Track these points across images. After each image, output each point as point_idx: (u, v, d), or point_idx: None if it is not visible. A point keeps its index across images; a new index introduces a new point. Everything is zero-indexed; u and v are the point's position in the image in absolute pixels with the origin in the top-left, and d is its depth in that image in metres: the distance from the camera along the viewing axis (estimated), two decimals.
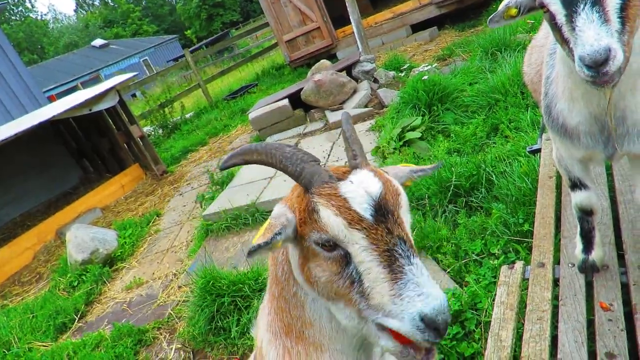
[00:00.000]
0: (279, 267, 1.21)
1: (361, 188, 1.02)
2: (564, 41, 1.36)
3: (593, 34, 1.22)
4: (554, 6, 1.35)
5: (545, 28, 2.21)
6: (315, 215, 1.02)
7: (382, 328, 0.98)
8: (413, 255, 0.97)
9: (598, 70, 1.23)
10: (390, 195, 1.04)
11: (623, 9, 1.25)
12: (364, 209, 0.99)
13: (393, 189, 1.06)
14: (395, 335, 0.98)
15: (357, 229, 0.98)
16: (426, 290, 0.92)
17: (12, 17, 59.02)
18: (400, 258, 0.96)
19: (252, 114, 7.70)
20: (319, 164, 1.09)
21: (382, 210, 1.00)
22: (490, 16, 1.64)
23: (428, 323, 0.90)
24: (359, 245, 0.98)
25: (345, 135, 1.25)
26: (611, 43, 1.21)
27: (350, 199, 1.01)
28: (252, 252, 1.01)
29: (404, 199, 1.07)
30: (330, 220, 0.99)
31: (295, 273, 1.14)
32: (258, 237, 1.05)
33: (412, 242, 1.02)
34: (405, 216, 1.05)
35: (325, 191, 1.03)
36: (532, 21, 6.52)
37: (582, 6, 1.26)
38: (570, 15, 1.29)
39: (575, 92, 1.60)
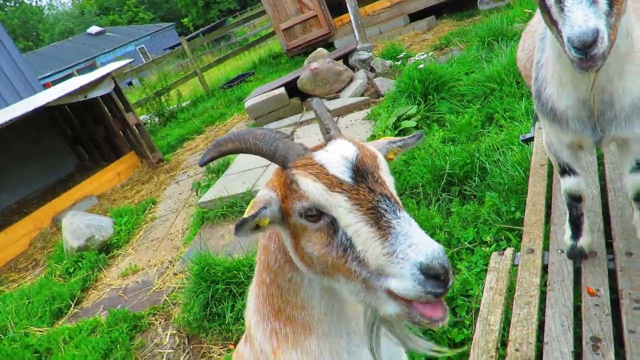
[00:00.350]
0: (272, 256, 1.21)
1: (337, 154, 1.02)
2: (552, 23, 1.36)
3: (581, 15, 1.22)
4: None
5: (538, 14, 2.21)
6: (294, 185, 1.01)
7: (390, 294, 0.93)
8: (399, 209, 0.94)
9: (586, 53, 1.23)
10: (367, 158, 1.02)
11: None
12: (342, 172, 0.98)
13: (370, 152, 1.05)
14: (403, 300, 0.93)
15: (337, 191, 0.96)
16: (417, 240, 0.89)
17: (7, 4, 58.29)
18: (386, 213, 0.93)
19: (248, 102, 7.68)
20: (292, 139, 1.09)
21: (361, 171, 0.99)
22: None
23: (426, 272, 0.85)
24: (342, 208, 0.95)
25: (316, 114, 1.24)
26: (599, 25, 1.21)
27: (327, 164, 1.00)
28: (239, 227, 1.01)
29: (382, 161, 1.05)
30: (310, 186, 0.98)
31: (293, 258, 1.13)
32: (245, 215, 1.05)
33: (397, 199, 0.99)
34: (387, 177, 1.03)
35: (301, 162, 1.02)
36: (529, 10, 6.51)
37: None
38: None
39: (564, 76, 1.60)
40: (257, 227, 1.05)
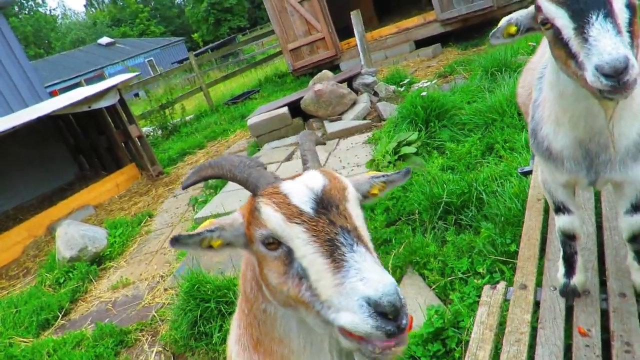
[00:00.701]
0: (248, 284, 1.20)
1: (302, 184, 1.03)
2: (570, 56, 1.33)
3: (610, 43, 1.21)
4: (561, 20, 1.33)
5: (540, 50, 2.23)
6: (256, 213, 1.02)
7: (342, 331, 0.91)
8: (357, 244, 0.93)
9: (618, 79, 1.20)
10: (335, 189, 1.02)
11: (630, 24, 1.26)
12: (304, 203, 0.99)
13: (339, 184, 1.05)
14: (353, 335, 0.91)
15: (296, 222, 0.96)
16: (368, 275, 0.87)
17: (23, 12, 59.37)
18: (342, 246, 0.92)
19: (251, 120, 7.72)
20: (265, 168, 1.12)
21: (324, 203, 0.99)
22: (492, 31, 1.64)
23: (374, 307, 0.83)
24: (299, 239, 0.96)
25: (299, 145, 1.28)
26: (627, 52, 1.20)
27: (289, 194, 1.01)
28: (173, 242, 1.05)
29: (351, 194, 1.05)
30: (270, 215, 0.99)
31: (261, 285, 1.13)
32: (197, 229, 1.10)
33: (362, 233, 0.98)
34: (354, 210, 1.02)
35: (268, 191, 1.04)
36: (534, 44, 6.58)
37: (595, 17, 1.24)
38: (581, 27, 1.26)
39: (562, 117, 1.60)
40: (210, 246, 1.09)
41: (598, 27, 1.24)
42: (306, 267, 0.95)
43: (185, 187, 1.20)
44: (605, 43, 1.21)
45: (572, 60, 1.33)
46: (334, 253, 0.92)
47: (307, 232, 0.95)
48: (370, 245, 0.99)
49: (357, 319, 0.85)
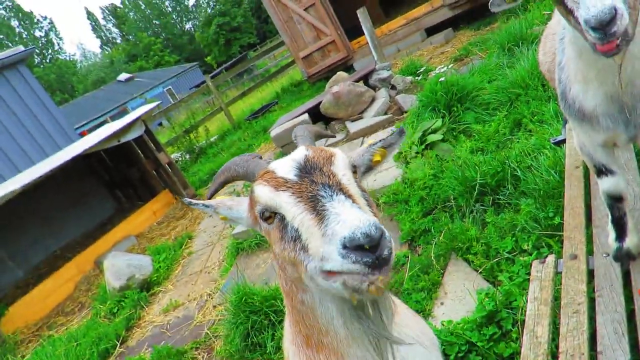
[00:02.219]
0: (282, 280, 1.23)
1: (287, 159, 1.12)
2: (568, 13, 1.32)
3: None
4: None
5: (557, 15, 2.18)
6: (252, 194, 1.12)
7: (328, 273, 0.94)
8: (337, 194, 0.97)
9: (605, 32, 1.18)
10: (319, 157, 1.09)
11: None
12: (288, 172, 1.06)
13: (325, 154, 1.11)
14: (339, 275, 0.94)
15: (282, 190, 1.03)
16: (345, 217, 0.90)
17: (44, 61, 61.95)
18: (323, 199, 0.96)
19: (274, 132, 7.79)
20: (260, 158, 1.23)
21: (307, 168, 1.06)
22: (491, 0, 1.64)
23: (349, 244, 0.85)
24: (286, 203, 1.02)
25: (293, 135, 1.39)
26: (615, 2, 1.17)
27: (276, 169, 1.09)
28: (187, 202, 1.26)
29: (338, 159, 1.10)
30: (259, 191, 1.08)
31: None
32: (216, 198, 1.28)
33: (346, 187, 1.02)
34: (341, 170, 1.07)
35: (260, 174, 1.13)
36: (548, 12, 6.41)
37: None
38: None
39: (589, 73, 1.56)
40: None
41: None
42: (297, 227, 1.00)
43: (209, 197, 1.33)
44: None
45: (570, 16, 1.33)
46: (316, 206, 0.96)
47: (292, 196, 1.02)
48: (358, 198, 1.02)
49: (337, 257, 0.88)
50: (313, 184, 1.01)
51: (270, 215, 1.07)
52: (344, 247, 0.86)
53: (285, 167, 1.08)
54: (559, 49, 1.75)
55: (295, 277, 1.11)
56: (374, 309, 1.09)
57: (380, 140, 1.31)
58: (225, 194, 7.10)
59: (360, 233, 0.84)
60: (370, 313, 1.10)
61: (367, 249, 0.85)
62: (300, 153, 1.12)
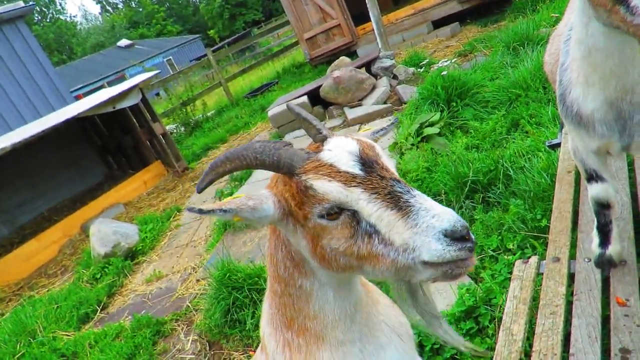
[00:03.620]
0: (280, 265, 1.21)
1: (341, 150, 1.06)
2: (618, 1, 1.22)
3: None
4: None
5: (566, 17, 2.16)
6: (310, 191, 1.02)
7: (426, 264, 0.98)
8: (412, 189, 1.01)
9: None
10: (367, 149, 1.08)
11: None
12: (352, 166, 1.03)
13: (367, 144, 1.10)
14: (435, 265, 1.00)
15: (354, 185, 1.01)
16: (437, 211, 0.95)
17: (44, 20, 60.77)
18: (403, 195, 0.99)
19: (271, 111, 7.75)
20: (292, 146, 1.10)
21: (367, 162, 1.04)
22: None
23: (451, 235, 0.92)
24: (362, 200, 1.00)
25: (301, 116, 1.26)
26: None
27: (335, 162, 1.03)
28: (190, 209, 1.04)
29: (379, 149, 1.11)
30: (327, 188, 1.01)
31: (310, 261, 1.14)
32: (224, 201, 1.09)
33: (404, 181, 1.06)
34: (389, 163, 1.09)
35: (310, 166, 1.04)
36: (556, 15, 6.37)
37: None
38: None
39: (592, 76, 1.54)
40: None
41: None
42: (375, 223, 1.00)
43: (200, 190, 1.11)
44: None
45: (621, 5, 1.23)
46: (398, 202, 0.98)
47: (366, 192, 1.00)
48: None
49: (440, 249, 0.93)
50: (382, 179, 1.02)
51: (335, 212, 1.02)
52: (445, 237, 0.93)
53: (345, 160, 1.04)
54: (563, 50, 1.74)
55: (340, 268, 1.09)
56: (425, 291, 1.18)
57: (381, 129, 1.34)
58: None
59: (460, 225, 0.92)
60: (423, 294, 1.18)
61: (465, 238, 0.93)
62: (351, 144, 1.07)
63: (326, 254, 1.07)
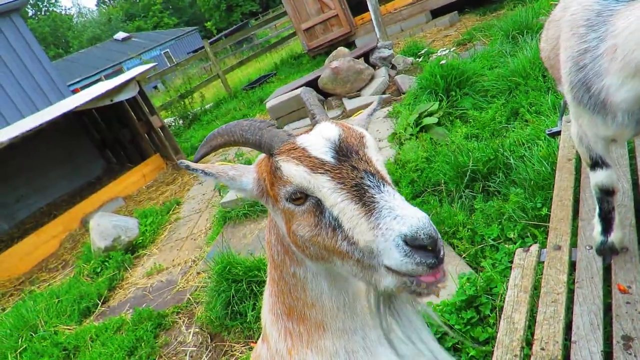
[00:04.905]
0: (274, 249, 1.21)
1: (319, 136, 1.02)
2: None
3: None
4: None
5: (562, 3, 2.12)
6: (278, 172, 1.02)
7: (389, 269, 0.91)
8: (383, 185, 0.93)
9: None
10: (352, 137, 1.02)
11: None
12: (324, 152, 0.98)
13: (355, 133, 1.04)
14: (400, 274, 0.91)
15: (320, 172, 0.96)
16: (400, 212, 0.87)
17: (38, 13, 60.30)
18: (370, 189, 0.92)
19: (270, 103, 7.71)
20: (276, 127, 1.10)
21: (344, 150, 0.99)
22: None
23: (411, 243, 0.83)
24: (326, 188, 0.95)
25: (303, 101, 1.26)
26: None
27: (308, 147, 1.00)
28: (185, 165, 1.10)
29: (369, 140, 1.05)
30: (292, 170, 0.99)
31: (290, 245, 1.13)
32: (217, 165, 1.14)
33: (385, 176, 0.99)
34: (374, 154, 1.03)
35: (285, 148, 1.03)
36: (555, 2, 6.32)
37: None
38: None
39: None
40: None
41: None
42: (337, 215, 0.95)
43: (197, 161, 1.16)
44: None
45: None
46: (363, 197, 0.92)
47: (332, 181, 0.95)
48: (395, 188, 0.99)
49: (398, 257, 0.85)
50: (354, 170, 0.95)
51: (301, 197, 0.99)
52: (405, 244, 0.84)
53: (319, 145, 1.00)
54: (591, 37, 1.64)
55: (314, 257, 1.06)
56: (392, 304, 1.08)
57: (373, 110, 1.34)
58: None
59: (423, 233, 0.82)
60: (391, 306, 1.09)
61: (428, 250, 0.83)
62: (331, 130, 1.03)
63: (297, 239, 1.05)
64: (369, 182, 0.93)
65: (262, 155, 1.14)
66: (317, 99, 1.31)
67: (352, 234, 0.92)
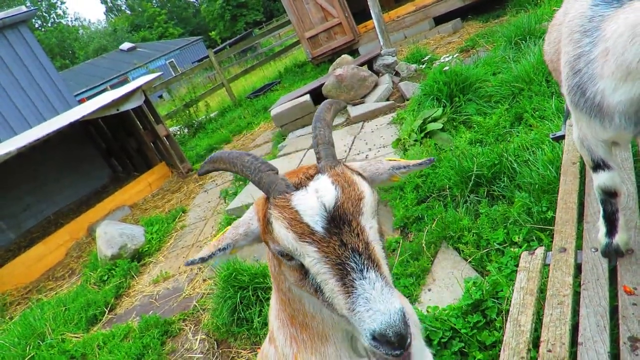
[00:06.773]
0: (271, 263, 1.23)
1: (314, 198, 0.99)
2: None
3: None
4: None
5: (564, 6, 2.14)
6: (270, 226, 1.03)
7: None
8: (367, 269, 0.94)
9: None
10: (349, 202, 0.99)
11: None
12: (315, 222, 0.97)
13: (354, 195, 1.01)
14: None
15: (307, 242, 0.96)
16: (374, 306, 0.90)
17: (45, 25, 61.05)
18: (352, 272, 0.93)
19: (274, 111, 7.76)
20: (276, 173, 1.09)
21: (337, 220, 0.97)
22: None
23: (379, 338, 0.88)
24: (311, 258, 0.97)
25: (314, 134, 1.19)
26: None
27: (301, 211, 0.98)
28: (189, 264, 1.10)
29: (367, 204, 1.02)
30: (281, 233, 0.99)
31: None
32: (212, 241, 1.12)
33: (373, 253, 0.97)
34: (368, 223, 1.00)
35: (279, 202, 1.02)
36: (558, 8, 6.34)
37: None
38: None
39: (637, 72, 1.51)
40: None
41: None
42: (320, 283, 0.99)
43: (201, 174, 1.24)
44: None
45: None
46: (344, 277, 0.94)
47: (318, 252, 0.96)
48: (382, 261, 0.99)
49: (367, 343, 0.92)
50: (342, 246, 0.95)
51: (289, 254, 1.01)
52: (373, 338, 0.89)
53: (312, 211, 0.97)
54: (585, 42, 1.67)
55: (310, 294, 1.09)
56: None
57: (405, 167, 1.23)
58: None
59: (392, 332, 0.87)
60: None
61: (394, 345, 0.89)
62: (328, 193, 0.99)
63: (287, 279, 1.12)
64: (353, 264, 0.94)
65: (262, 195, 1.16)
66: (330, 132, 1.21)
67: (332, 302, 0.98)
